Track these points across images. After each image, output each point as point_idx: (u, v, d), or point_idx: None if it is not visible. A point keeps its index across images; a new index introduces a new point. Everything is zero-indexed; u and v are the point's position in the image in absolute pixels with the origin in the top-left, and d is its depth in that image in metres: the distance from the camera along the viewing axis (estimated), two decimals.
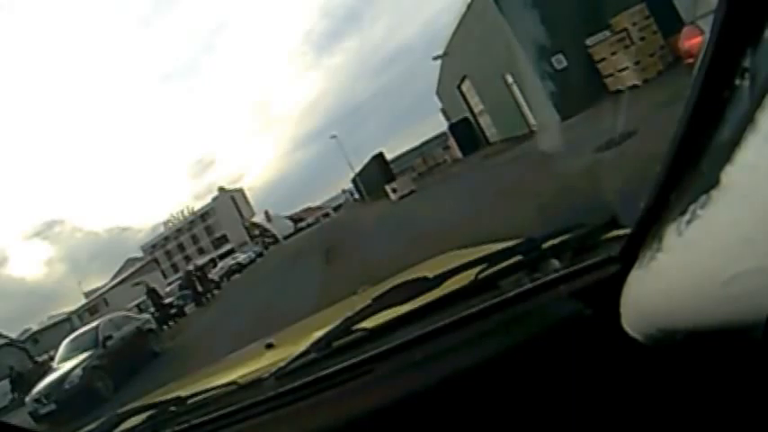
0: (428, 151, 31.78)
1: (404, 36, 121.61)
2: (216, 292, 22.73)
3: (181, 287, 22.29)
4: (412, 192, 18.69)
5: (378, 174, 23.52)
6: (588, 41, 11.85)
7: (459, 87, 21.01)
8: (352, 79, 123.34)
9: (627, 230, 0.68)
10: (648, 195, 0.53)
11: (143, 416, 0.98)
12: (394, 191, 19.55)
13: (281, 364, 0.88)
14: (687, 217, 0.43)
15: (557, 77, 12.12)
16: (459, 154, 22.36)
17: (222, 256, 46.96)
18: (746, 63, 0.39)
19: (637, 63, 10.97)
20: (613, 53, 11.36)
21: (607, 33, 11.75)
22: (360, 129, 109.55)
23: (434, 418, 0.72)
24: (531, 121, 14.51)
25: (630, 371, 0.66)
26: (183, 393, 0.98)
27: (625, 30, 11.36)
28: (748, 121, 0.36)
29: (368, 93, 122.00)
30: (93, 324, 11.93)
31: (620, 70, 11.24)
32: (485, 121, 20.21)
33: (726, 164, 0.38)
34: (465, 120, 21.66)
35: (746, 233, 0.38)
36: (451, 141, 23.57)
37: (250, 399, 0.86)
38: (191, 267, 23.73)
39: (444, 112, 26.25)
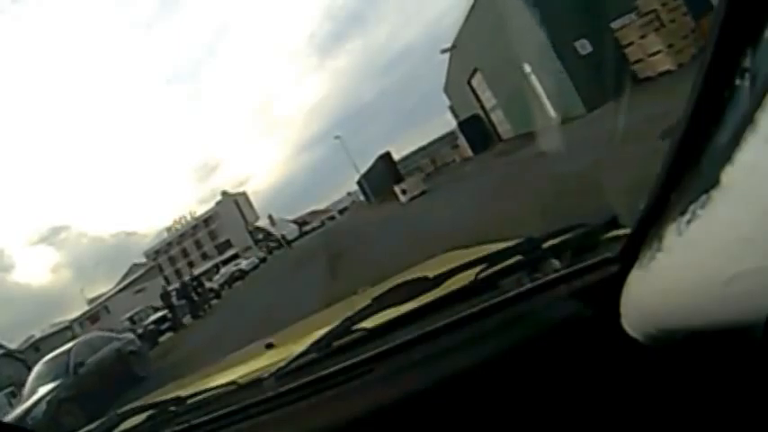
0: (436, 151, 31.20)
1: (408, 37, 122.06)
2: (214, 302, 21.86)
3: (177, 298, 21.63)
4: (423, 192, 17.34)
5: (385, 175, 22.42)
6: (614, 25, 10.71)
7: (469, 82, 20.14)
8: (357, 81, 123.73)
9: (627, 230, 0.68)
10: (648, 195, 0.53)
11: (143, 416, 0.98)
12: (404, 192, 18.26)
13: (281, 364, 0.88)
14: (687, 217, 0.43)
15: (581, 64, 10.94)
16: (469, 152, 21.69)
17: (226, 262, 46.81)
18: (746, 63, 0.39)
19: (670, 46, 9.97)
20: (642, 36, 10.31)
21: (633, 16, 10.74)
22: (365, 131, 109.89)
23: (434, 418, 0.72)
24: (551, 113, 13.06)
25: (630, 371, 0.66)
26: (182, 393, 0.98)
27: (654, 11, 10.43)
28: (748, 121, 0.36)
29: (373, 94, 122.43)
30: (67, 346, 10.22)
31: (650, 55, 10.22)
32: (497, 116, 19.30)
33: (726, 164, 0.38)
34: (475, 116, 20.89)
35: (746, 233, 0.38)
36: (461, 140, 22.99)
37: (250, 399, 0.85)
38: (187, 278, 23.00)
39: (453, 109, 25.42)
